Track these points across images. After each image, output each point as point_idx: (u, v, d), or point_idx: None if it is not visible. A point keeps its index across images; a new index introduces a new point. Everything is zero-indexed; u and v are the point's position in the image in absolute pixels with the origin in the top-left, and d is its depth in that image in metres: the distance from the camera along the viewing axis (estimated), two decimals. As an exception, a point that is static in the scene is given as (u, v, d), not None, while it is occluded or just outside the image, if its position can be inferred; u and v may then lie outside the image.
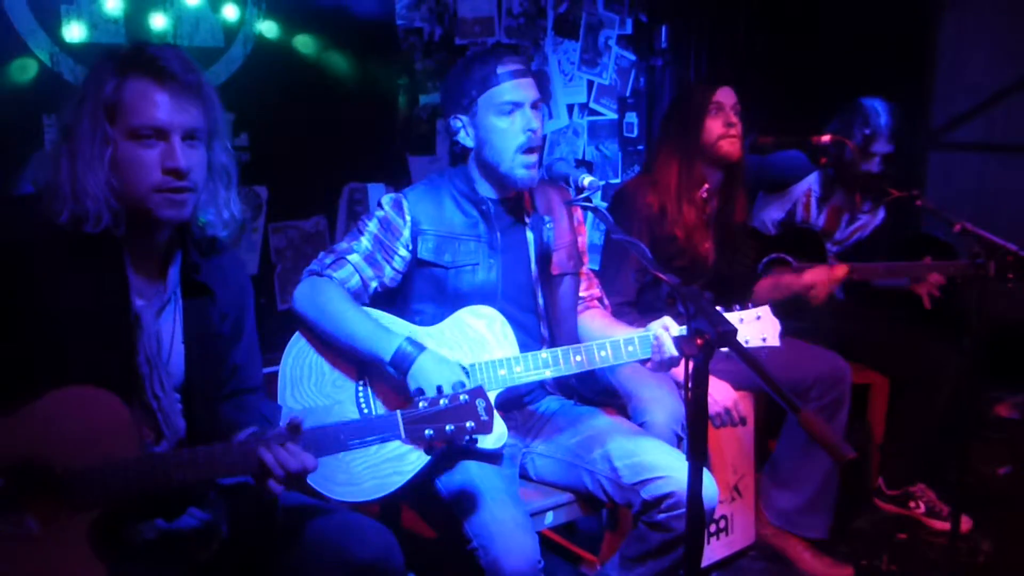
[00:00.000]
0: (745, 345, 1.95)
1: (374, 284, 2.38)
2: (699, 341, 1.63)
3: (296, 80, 3.20)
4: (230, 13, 3.01)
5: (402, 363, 2.14)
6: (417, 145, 3.57)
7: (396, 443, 1.85)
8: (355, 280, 2.35)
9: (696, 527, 1.70)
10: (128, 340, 1.78)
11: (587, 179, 2.20)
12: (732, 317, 2.22)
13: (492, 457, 2.28)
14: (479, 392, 1.82)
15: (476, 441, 1.97)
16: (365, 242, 2.39)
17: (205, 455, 1.70)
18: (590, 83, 4.15)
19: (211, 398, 1.92)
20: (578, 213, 2.64)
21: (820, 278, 3.23)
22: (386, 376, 2.23)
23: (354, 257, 2.36)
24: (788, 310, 3.23)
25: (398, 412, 1.78)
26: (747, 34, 4.22)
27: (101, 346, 1.75)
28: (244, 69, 3.07)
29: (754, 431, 3.21)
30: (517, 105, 2.35)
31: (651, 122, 4.25)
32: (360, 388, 2.28)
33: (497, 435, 2.19)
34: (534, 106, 2.38)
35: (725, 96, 2.99)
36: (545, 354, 2.27)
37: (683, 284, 1.79)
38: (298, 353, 2.31)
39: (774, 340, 2.25)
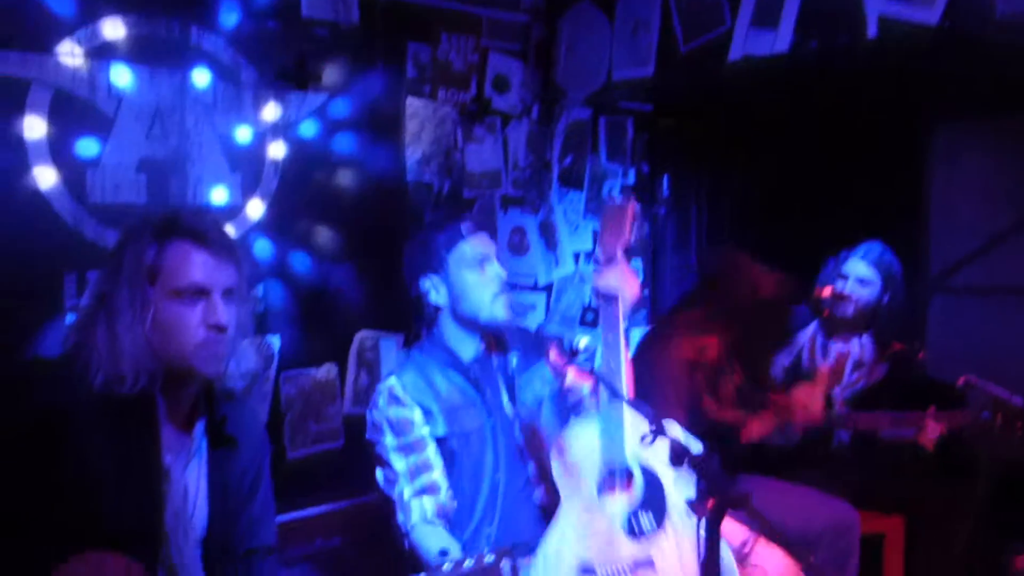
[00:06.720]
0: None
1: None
2: (709, 504, 1.63)
3: (308, 233, 3.32)
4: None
5: None
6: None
7: None
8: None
9: None
10: (158, 496, 1.79)
11: (584, 340, 2.03)
12: None
13: None
14: (505, 551, 1.79)
15: None
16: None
17: None
18: (595, 232, 4.27)
19: (229, 553, 1.91)
20: None
21: (805, 393, 3.26)
22: None
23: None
24: (800, 458, 3.25)
25: (422, 574, 1.75)
26: (744, 183, 4.36)
27: (131, 503, 1.75)
28: (259, 225, 3.18)
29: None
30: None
31: (655, 269, 4.35)
32: None
33: None
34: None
35: None
36: None
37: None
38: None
39: None
